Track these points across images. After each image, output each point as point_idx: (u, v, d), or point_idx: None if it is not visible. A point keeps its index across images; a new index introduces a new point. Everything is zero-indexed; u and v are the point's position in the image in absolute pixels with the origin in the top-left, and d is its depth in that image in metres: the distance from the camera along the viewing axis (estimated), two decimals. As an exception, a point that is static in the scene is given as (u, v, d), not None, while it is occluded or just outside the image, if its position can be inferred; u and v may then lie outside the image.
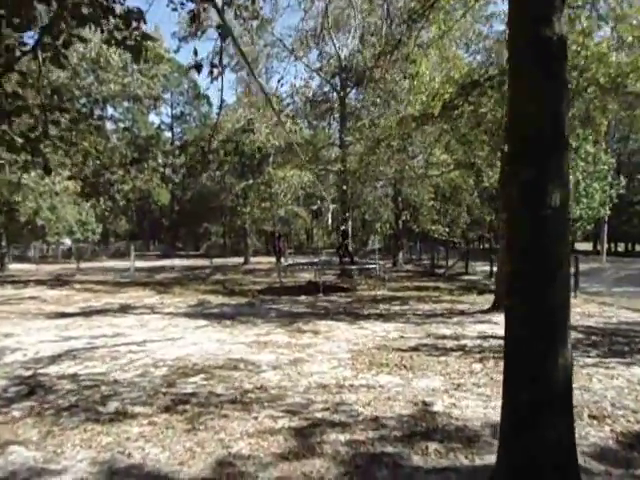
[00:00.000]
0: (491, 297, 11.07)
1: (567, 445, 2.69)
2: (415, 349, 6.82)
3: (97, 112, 22.54)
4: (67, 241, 35.61)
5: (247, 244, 32.10)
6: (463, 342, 7.26)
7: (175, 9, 4.27)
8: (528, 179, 2.65)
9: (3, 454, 3.55)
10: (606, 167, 16.39)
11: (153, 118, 51.53)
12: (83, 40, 3.15)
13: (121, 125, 36.43)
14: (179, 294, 14.25)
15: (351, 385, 5.13)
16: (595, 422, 4.09)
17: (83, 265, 27.33)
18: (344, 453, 3.52)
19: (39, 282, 17.85)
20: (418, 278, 19.30)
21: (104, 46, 18.02)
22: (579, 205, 15.58)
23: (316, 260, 20.74)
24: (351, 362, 6.12)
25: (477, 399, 4.67)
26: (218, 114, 6.76)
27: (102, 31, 3.15)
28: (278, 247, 24.15)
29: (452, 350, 6.74)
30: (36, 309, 11.20)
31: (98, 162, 18.95)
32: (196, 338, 7.74)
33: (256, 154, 22.68)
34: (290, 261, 22.61)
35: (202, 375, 5.57)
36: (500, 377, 5.06)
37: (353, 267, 17.56)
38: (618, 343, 7.16)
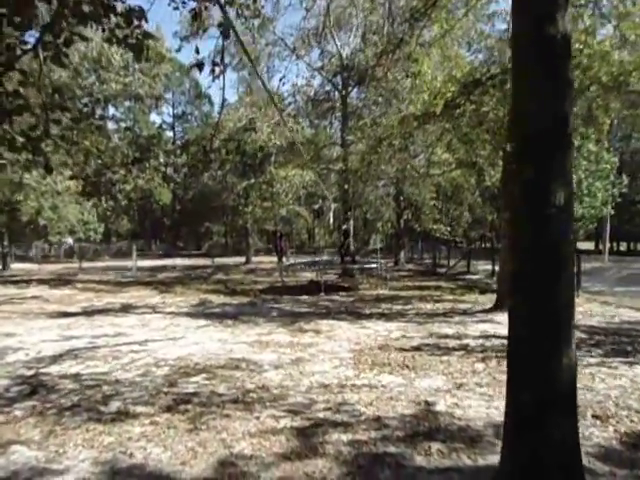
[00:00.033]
0: (493, 296, 11.05)
1: (571, 445, 2.67)
2: (417, 349, 6.80)
3: (99, 112, 22.55)
4: (69, 241, 35.63)
5: (249, 243, 32.09)
6: (465, 341, 7.25)
7: (177, 8, 4.25)
8: (531, 178, 2.63)
9: (5, 454, 3.55)
10: (608, 166, 16.32)
11: (155, 118, 51.52)
12: (84, 39, 3.14)
13: (123, 125, 36.48)
14: (181, 293, 14.25)
15: (353, 385, 5.12)
16: (599, 422, 4.07)
17: (85, 265, 27.35)
18: (346, 453, 3.51)
19: (41, 282, 17.87)
20: (420, 277, 19.27)
21: (106, 46, 18.04)
22: (581, 204, 15.53)
23: (318, 259, 20.75)
24: (353, 362, 6.11)
25: (480, 399, 4.65)
26: (220, 112, 6.75)
27: (103, 30, 3.15)
28: (280, 246, 24.13)
29: (454, 350, 6.72)
30: (38, 308, 11.21)
31: (100, 162, 18.97)
32: (198, 338, 7.74)
33: (258, 153, 22.67)
34: (292, 260, 22.62)
35: (204, 375, 5.57)
36: (503, 377, 5.06)
37: (355, 266, 17.55)
38: (621, 343, 7.14)
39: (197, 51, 4.14)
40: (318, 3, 20.12)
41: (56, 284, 17.03)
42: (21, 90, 2.82)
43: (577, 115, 9.80)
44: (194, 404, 4.55)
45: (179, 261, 32.80)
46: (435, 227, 22.12)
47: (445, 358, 6.22)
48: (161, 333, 8.18)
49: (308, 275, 18.86)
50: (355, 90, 21.77)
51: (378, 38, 17.10)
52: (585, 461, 3.04)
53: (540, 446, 2.59)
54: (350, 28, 20.96)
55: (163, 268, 25.79)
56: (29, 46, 2.82)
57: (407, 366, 5.85)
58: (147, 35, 3.21)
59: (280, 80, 21.80)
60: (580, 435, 2.83)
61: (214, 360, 6.24)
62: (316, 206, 27.02)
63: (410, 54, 8.55)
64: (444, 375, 5.47)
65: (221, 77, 4.87)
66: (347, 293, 14.25)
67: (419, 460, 3.41)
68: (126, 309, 11.10)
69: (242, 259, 31.51)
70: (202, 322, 9.20)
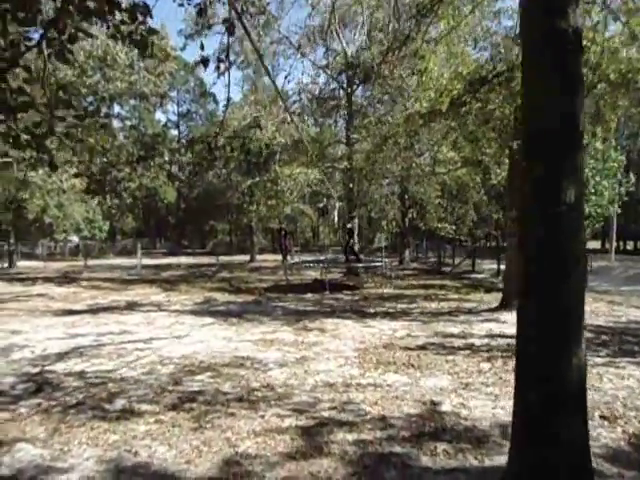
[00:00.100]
0: (498, 295, 10.98)
1: (581, 445, 2.64)
2: (422, 348, 6.76)
3: (104, 110, 22.63)
4: (74, 238, 35.83)
5: (253, 242, 32.14)
6: (471, 341, 7.20)
7: (182, 4, 4.23)
8: (541, 175, 2.59)
9: (10, 452, 3.55)
10: (615, 164, 16.18)
11: (159, 116, 51.81)
12: (89, 35, 3.12)
13: (128, 123, 36.62)
14: (185, 292, 14.27)
15: (358, 384, 5.09)
16: (606, 423, 4.03)
17: (90, 262, 27.47)
18: (352, 453, 3.48)
19: (47, 279, 17.96)
20: (424, 276, 19.21)
21: (111, 44, 18.07)
22: (588, 203, 15.41)
23: (322, 258, 20.69)
24: (358, 360, 6.08)
25: (486, 399, 4.62)
26: (225, 110, 6.71)
27: (108, 27, 3.13)
28: (284, 245, 24.11)
29: (460, 349, 6.68)
30: (44, 306, 11.26)
31: (105, 160, 19.02)
32: (202, 336, 7.73)
33: (263, 151, 22.66)
34: (296, 259, 22.57)
35: (208, 373, 5.56)
36: (509, 376, 5.02)
37: (359, 265, 17.50)
38: (628, 342, 7.07)
39: (202, 47, 4.12)
40: (323, 0, 20.08)
41: (62, 282, 17.11)
42: (25, 87, 2.81)
43: (584, 113, 9.69)
44: (199, 402, 4.54)
45: (184, 259, 32.90)
46: (440, 226, 22.06)
47: (450, 357, 6.18)
48: (166, 331, 8.18)
49: (312, 274, 18.85)
50: (360, 88, 21.72)
51: (384, 35, 17.04)
52: (593, 462, 3.00)
53: (549, 446, 2.56)
54: (355, 25, 20.91)
55: (168, 266, 25.87)
56: (33, 42, 2.81)
57: (412, 365, 5.82)
58: (152, 31, 3.19)
59: (285, 78, 21.84)
60: (588, 436, 2.79)
61: (219, 358, 6.23)
62: (321, 204, 27.03)
63: (417, 51, 8.48)
64: (450, 374, 5.43)
65: (226, 74, 4.86)
66: (352, 292, 14.23)
67: (425, 460, 3.38)
68: (131, 307, 11.12)
69: (247, 257, 31.55)
70: (207, 320, 9.20)
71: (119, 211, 42.25)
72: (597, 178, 15.38)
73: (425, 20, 6.93)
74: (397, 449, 3.55)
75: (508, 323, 8.33)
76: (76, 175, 21.57)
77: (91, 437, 3.78)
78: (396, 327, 8.37)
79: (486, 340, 7.24)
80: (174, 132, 50.85)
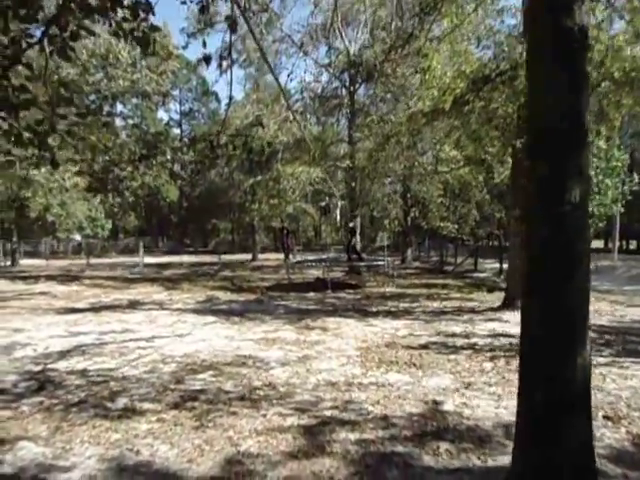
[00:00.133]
0: (501, 295, 10.95)
1: (586, 446, 2.62)
2: (425, 347, 6.75)
3: (106, 108, 22.62)
4: (77, 237, 35.87)
5: (255, 241, 32.14)
6: (473, 340, 7.18)
7: (184, 2, 4.22)
8: (546, 174, 2.57)
9: (12, 450, 3.55)
10: (619, 163, 16.15)
11: (162, 114, 51.52)
12: (91, 33, 3.11)
13: (130, 121, 36.61)
14: (187, 290, 14.28)
15: (360, 383, 5.08)
16: (610, 423, 4.01)
17: (93, 261, 27.51)
18: (354, 452, 3.47)
19: (49, 277, 17.99)
20: (427, 275, 19.19)
21: (113, 42, 18.06)
22: (591, 202, 15.38)
23: (324, 257, 20.70)
24: (360, 359, 6.07)
25: (488, 398, 4.60)
26: (227, 108, 6.68)
27: (110, 24, 3.12)
28: (286, 244, 24.10)
29: (462, 348, 6.66)
30: (46, 304, 11.28)
31: (107, 158, 19.01)
32: (204, 334, 7.73)
33: (265, 150, 22.67)
34: (298, 258, 22.59)
35: (210, 372, 5.55)
36: (512, 376, 5.00)
37: (361, 264, 17.49)
38: (631, 342, 7.04)
39: (204, 45, 4.10)
40: (326, -1, 20.03)
41: (64, 280, 17.13)
42: (27, 84, 2.80)
43: (589, 112, 9.65)
44: (201, 401, 4.54)
45: (186, 258, 32.92)
46: (442, 225, 22.05)
47: (453, 357, 6.16)
48: (168, 329, 8.18)
49: (315, 272, 18.83)
50: (363, 87, 21.68)
51: (386, 34, 16.99)
52: (597, 463, 2.98)
53: (553, 447, 2.54)
54: (358, 24, 20.85)
55: (170, 265, 25.89)
56: (35, 40, 2.80)
57: (414, 364, 5.80)
58: (154, 28, 3.18)
59: (288, 76, 21.82)
60: (592, 436, 2.77)
61: (221, 357, 6.22)
62: (323, 203, 26.99)
63: (420, 49, 8.46)
64: (452, 374, 5.41)
65: (228, 72, 4.85)
66: (354, 290, 14.21)
67: (427, 460, 3.37)
68: (133, 305, 11.14)
69: (249, 256, 31.57)
70: (209, 319, 9.20)
71: (121, 209, 42.28)
72: (600, 177, 15.36)
73: (428, 18, 6.92)
74: (399, 448, 3.54)
75: (511, 322, 8.31)
76: (78, 173, 21.59)
77: (93, 435, 3.77)
78: (398, 326, 8.35)
79: (489, 339, 7.22)
80: (176, 131, 50.90)
